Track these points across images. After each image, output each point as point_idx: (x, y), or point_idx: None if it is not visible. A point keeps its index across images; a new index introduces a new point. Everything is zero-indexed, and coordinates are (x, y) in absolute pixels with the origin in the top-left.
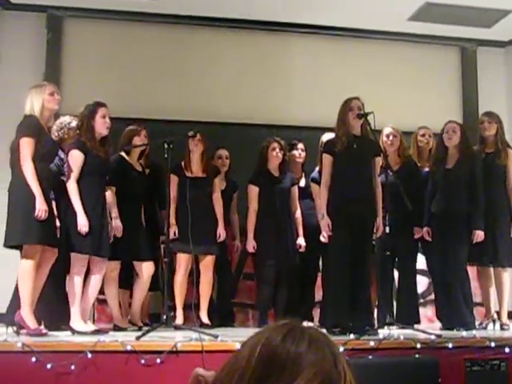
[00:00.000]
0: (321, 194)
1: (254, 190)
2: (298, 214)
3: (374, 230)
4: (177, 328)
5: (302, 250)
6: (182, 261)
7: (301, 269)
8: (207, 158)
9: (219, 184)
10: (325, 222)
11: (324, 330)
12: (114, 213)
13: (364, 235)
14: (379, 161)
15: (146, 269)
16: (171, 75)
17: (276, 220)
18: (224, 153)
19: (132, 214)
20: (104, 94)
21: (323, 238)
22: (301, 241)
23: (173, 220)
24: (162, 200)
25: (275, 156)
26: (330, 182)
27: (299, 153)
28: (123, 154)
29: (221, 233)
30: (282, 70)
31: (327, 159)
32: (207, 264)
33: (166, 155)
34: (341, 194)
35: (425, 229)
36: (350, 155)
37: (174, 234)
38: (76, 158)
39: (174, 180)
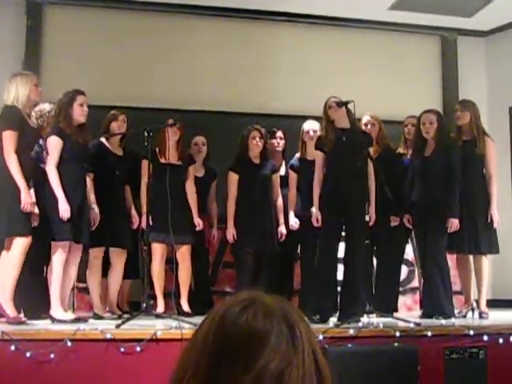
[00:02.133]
0: (313, 189)
1: (233, 178)
2: (280, 201)
3: (367, 219)
4: (157, 316)
5: (283, 238)
6: (157, 250)
7: (279, 257)
8: (183, 145)
9: (193, 172)
10: (314, 217)
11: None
12: (92, 199)
13: (355, 227)
14: (370, 151)
15: (122, 256)
16: (152, 63)
17: (256, 207)
18: (200, 139)
19: (113, 199)
20: (84, 82)
21: (295, 225)
22: (282, 229)
23: (144, 208)
24: (138, 188)
25: (255, 144)
26: (323, 178)
27: (277, 141)
28: (103, 139)
29: (198, 221)
30: (263, 58)
31: (319, 156)
32: (183, 253)
33: (145, 143)
34: (332, 188)
35: (406, 216)
36: (340, 149)
37: (148, 222)
38: (55, 144)
39: (145, 165)
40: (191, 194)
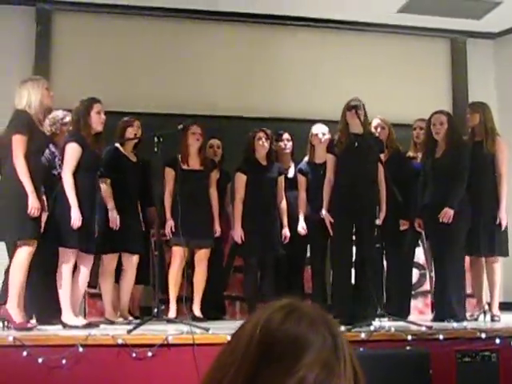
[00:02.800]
0: (324, 192)
1: (241, 179)
2: (284, 204)
3: (377, 222)
4: (168, 321)
5: (286, 240)
6: (177, 254)
7: (288, 260)
8: (205, 151)
9: (215, 178)
10: (327, 218)
11: None
12: (110, 205)
13: (366, 232)
14: (382, 158)
15: (134, 261)
16: (162, 68)
17: (262, 209)
18: (215, 142)
19: (127, 204)
20: (94, 88)
21: (303, 231)
22: (286, 231)
23: (169, 214)
24: (150, 196)
25: (261, 145)
26: (333, 181)
27: (284, 144)
28: (118, 145)
29: (217, 229)
30: (273, 62)
31: (330, 159)
32: (202, 257)
33: (156, 149)
34: (342, 193)
35: (417, 220)
36: (351, 154)
37: (171, 228)
38: (74, 151)
39: (169, 173)
40: (214, 200)
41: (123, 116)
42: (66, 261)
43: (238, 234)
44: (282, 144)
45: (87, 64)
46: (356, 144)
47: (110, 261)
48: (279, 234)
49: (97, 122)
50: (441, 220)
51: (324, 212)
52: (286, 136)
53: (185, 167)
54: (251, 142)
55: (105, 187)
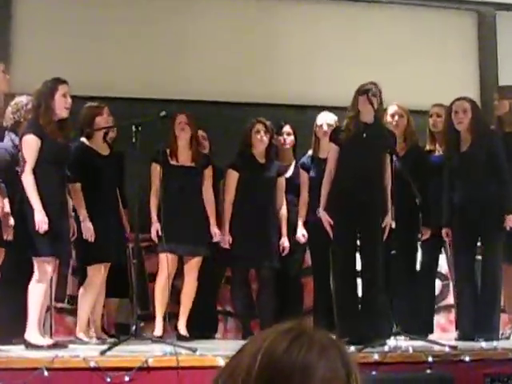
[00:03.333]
0: (322, 187)
1: (233, 176)
2: (284, 209)
3: (383, 225)
4: (153, 341)
5: (285, 252)
6: (165, 262)
7: (286, 270)
8: (197, 144)
9: (210, 175)
10: (324, 220)
11: None
12: (82, 214)
13: (371, 236)
14: (387, 155)
15: (103, 271)
16: (138, 47)
17: (256, 213)
18: (200, 133)
19: (104, 208)
20: (62, 69)
21: (302, 238)
22: (284, 241)
23: (155, 216)
24: (122, 196)
25: (259, 140)
26: (334, 174)
27: (284, 138)
28: (84, 139)
29: (215, 231)
30: (269, 39)
31: (332, 149)
32: (193, 266)
33: (134, 139)
34: (343, 189)
35: (444, 230)
36: (357, 145)
37: (157, 232)
38: (31, 144)
39: (155, 170)
40: (209, 200)
41: (95, 101)
42: (42, 272)
43: (225, 239)
44: (281, 138)
45: (52, 43)
46: (364, 134)
47: (95, 272)
48: (276, 243)
49: (61, 106)
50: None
51: (321, 211)
52: (286, 129)
53: (173, 163)
54: (248, 135)
55: (75, 193)
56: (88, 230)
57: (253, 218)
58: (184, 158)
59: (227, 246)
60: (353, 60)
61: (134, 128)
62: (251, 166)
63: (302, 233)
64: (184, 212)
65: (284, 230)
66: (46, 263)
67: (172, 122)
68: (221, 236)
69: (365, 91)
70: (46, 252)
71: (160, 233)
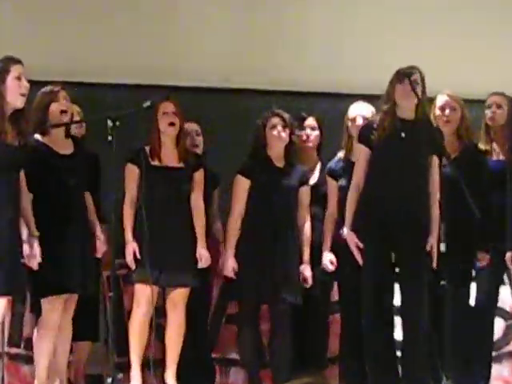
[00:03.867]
0: (348, 200)
1: (242, 185)
2: (307, 228)
3: (428, 248)
4: None
5: (308, 284)
6: (143, 295)
7: (305, 308)
8: (185, 141)
9: (201, 180)
10: (351, 240)
11: None
12: (29, 231)
13: (412, 262)
14: (436, 160)
15: (72, 307)
16: (117, 19)
17: (272, 231)
18: (193, 127)
19: (63, 220)
20: (19, 48)
21: (330, 265)
22: (306, 270)
23: (130, 233)
24: (99, 207)
25: (276, 137)
26: (363, 184)
27: (307, 134)
28: (38, 136)
29: (201, 254)
30: (287, 12)
31: (362, 152)
32: (178, 300)
33: (110, 137)
34: (376, 202)
35: (508, 254)
36: (393, 147)
37: (134, 256)
38: None
39: (132, 172)
40: (198, 212)
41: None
42: None
43: (229, 265)
44: (303, 134)
45: (10, 17)
46: (403, 134)
47: (51, 307)
48: (296, 270)
49: (15, 92)
50: None
51: (346, 230)
52: (310, 122)
53: (155, 163)
54: (261, 132)
55: (24, 204)
56: (33, 256)
57: (267, 237)
58: (169, 157)
59: (231, 275)
60: (390, 38)
61: (109, 123)
62: (266, 170)
63: (329, 258)
64: (169, 227)
65: (306, 254)
66: None
67: (154, 112)
68: (223, 261)
69: (405, 76)
70: None
71: (137, 255)
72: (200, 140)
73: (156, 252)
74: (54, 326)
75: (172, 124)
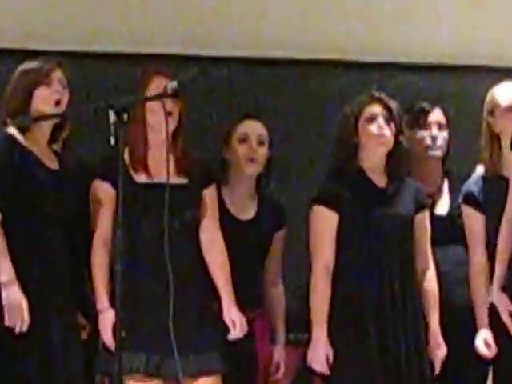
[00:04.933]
0: (500, 242)
1: (327, 222)
2: (432, 278)
3: None
4: None
5: (437, 370)
6: None
7: None
8: (186, 144)
9: (214, 203)
10: (503, 310)
11: None
12: (6, 273)
13: None
14: None
15: None
16: None
17: (379, 293)
18: (255, 129)
19: (46, 270)
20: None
21: (485, 350)
22: (438, 350)
23: (104, 296)
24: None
25: (376, 136)
26: None
27: (432, 134)
28: (12, 130)
29: (232, 317)
30: None
31: None
32: None
33: (111, 138)
34: None
35: None
36: None
37: (113, 330)
38: None
39: (103, 194)
40: (215, 255)
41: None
42: None
43: (320, 354)
44: (426, 135)
45: None
46: None
47: None
48: (423, 351)
49: None
50: None
51: (495, 293)
52: (436, 116)
53: (140, 179)
54: (350, 129)
55: None
56: (16, 306)
57: (371, 301)
58: (161, 168)
59: (324, 369)
60: None
61: (111, 116)
62: (361, 194)
63: (484, 337)
64: (169, 281)
65: (435, 325)
66: None
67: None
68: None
69: None
70: None
71: (119, 332)
72: (262, 153)
73: (151, 323)
74: None
75: (169, 114)
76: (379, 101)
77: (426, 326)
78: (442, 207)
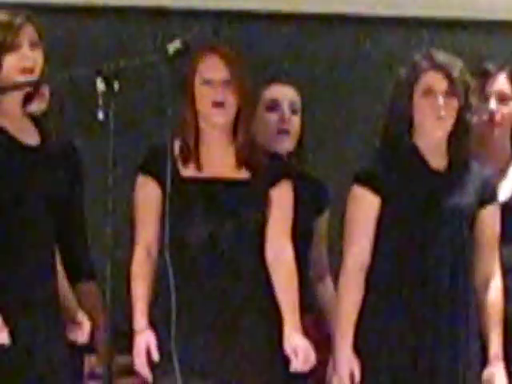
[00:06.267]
0: None
1: (367, 206)
2: (496, 287)
3: None
4: None
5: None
6: None
7: None
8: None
9: (287, 203)
10: None
11: None
12: None
13: None
14: None
15: None
16: None
17: (426, 298)
18: (287, 95)
19: (24, 273)
20: None
21: None
22: (494, 371)
23: (142, 315)
24: (82, 245)
25: (436, 110)
26: None
27: (495, 108)
28: None
29: (296, 345)
30: None
31: None
32: None
33: (100, 114)
34: None
35: None
36: None
37: (148, 355)
38: None
39: (147, 192)
40: (284, 268)
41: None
42: None
43: (344, 365)
44: (494, 108)
45: None
46: None
47: None
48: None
49: None
50: None
51: None
52: (500, 84)
53: (190, 174)
54: (403, 99)
55: None
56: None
57: (414, 306)
58: (217, 161)
59: None
60: None
61: (99, 83)
62: (412, 177)
63: None
64: (222, 300)
65: (495, 344)
66: None
67: (190, 73)
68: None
69: None
70: None
71: (154, 355)
72: (294, 122)
73: (196, 348)
74: None
75: (219, 105)
76: (440, 68)
77: (483, 347)
78: (506, 191)
